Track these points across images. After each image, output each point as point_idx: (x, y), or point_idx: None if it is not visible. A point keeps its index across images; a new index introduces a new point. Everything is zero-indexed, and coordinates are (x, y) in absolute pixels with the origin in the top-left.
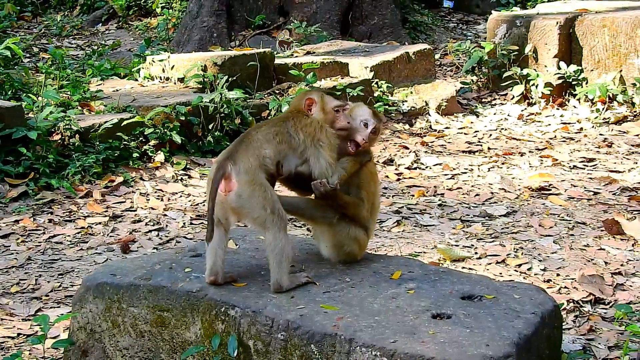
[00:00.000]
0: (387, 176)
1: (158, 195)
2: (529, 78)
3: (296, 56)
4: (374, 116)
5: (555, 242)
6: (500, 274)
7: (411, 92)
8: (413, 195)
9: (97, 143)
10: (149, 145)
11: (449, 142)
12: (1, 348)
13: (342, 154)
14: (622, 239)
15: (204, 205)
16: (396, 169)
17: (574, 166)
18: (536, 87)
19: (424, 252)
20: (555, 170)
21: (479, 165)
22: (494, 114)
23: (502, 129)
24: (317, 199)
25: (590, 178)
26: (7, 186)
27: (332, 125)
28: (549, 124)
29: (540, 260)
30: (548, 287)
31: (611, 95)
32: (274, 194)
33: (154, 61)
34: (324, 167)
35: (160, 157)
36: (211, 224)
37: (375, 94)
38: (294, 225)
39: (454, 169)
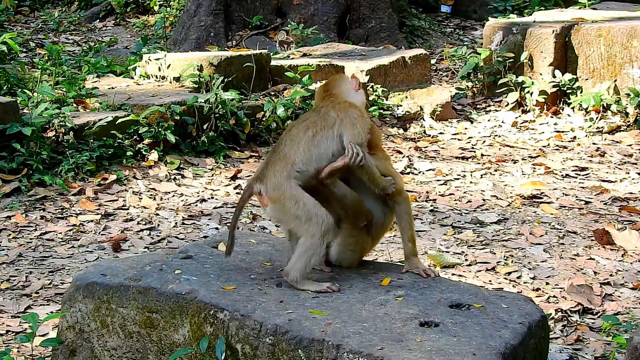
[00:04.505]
0: None
1: (151, 195)
2: (524, 85)
3: (292, 58)
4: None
5: (546, 250)
6: (490, 281)
7: (406, 97)
8: None
9: (91, 140)
10: (143, 143)
11: (442, 148)
12: None
13: None
14: (612, 249)
15: (196, 205)
16: None
17: (566, 175)
18: (531, 94)
19: None
20: (548, 178)
21: (471, 172)
22: (488, 120)
23: (496, 135)
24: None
25: (582, 187)
26: (0, 182)
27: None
28: (543, 132)
29: (530, 269)
30: (537, 296)
31: (605, 105)
32: (308, 201)
33: (150, 59)
34: (356, 132)
35: (154, 156)
36: (231, 239)
37: (370, 98)
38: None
39: (446, 174)
